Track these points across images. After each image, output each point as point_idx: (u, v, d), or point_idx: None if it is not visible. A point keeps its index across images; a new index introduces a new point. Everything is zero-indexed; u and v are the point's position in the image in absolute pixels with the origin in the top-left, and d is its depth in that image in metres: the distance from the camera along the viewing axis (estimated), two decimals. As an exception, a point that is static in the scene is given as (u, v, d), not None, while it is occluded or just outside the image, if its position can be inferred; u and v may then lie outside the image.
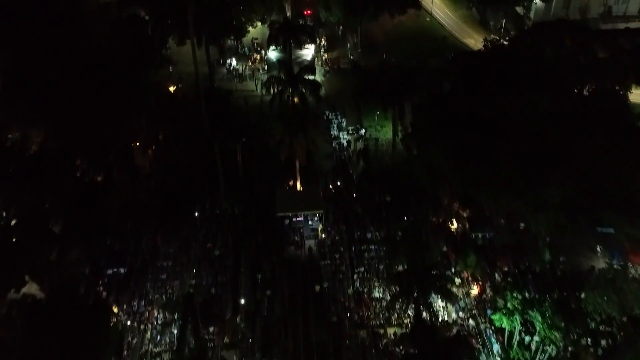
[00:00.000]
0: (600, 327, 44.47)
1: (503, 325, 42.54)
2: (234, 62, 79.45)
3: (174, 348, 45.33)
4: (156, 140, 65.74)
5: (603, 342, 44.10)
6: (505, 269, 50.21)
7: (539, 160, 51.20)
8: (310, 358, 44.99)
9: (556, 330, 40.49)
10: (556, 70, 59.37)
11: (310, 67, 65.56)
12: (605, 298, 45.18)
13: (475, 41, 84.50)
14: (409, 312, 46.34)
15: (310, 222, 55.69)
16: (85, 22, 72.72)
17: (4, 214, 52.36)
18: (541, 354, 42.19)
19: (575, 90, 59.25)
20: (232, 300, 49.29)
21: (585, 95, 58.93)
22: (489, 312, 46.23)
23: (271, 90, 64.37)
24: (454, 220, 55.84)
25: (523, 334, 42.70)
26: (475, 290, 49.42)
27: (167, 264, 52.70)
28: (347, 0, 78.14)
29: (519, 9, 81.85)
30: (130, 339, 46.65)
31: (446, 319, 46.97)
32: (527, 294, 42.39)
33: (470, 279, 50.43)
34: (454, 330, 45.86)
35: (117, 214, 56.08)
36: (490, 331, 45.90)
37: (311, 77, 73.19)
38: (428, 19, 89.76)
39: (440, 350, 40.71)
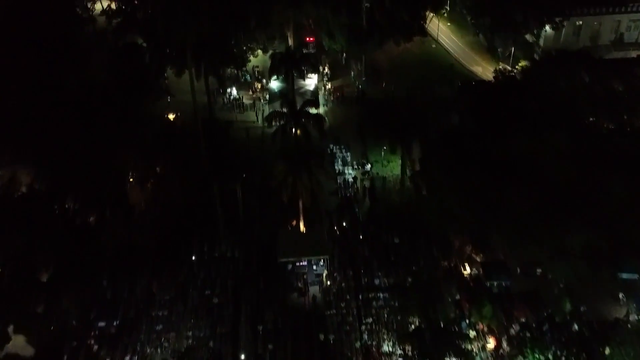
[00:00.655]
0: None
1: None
2: (234, 91, 76.80)
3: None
4: (152, 176, 62.90)
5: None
6: (523, 319, 47.11)
7: (557, 203, 48.35)
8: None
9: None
10: (572, 104, 56.61)
11: (313, 100, 62.75)
12: (632, 354, 42.15)
13: (483, 69, 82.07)
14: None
15: (314, 267, 52.58)
16: (80, 53, 70.28)
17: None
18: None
19: (593, 126, 56.43)
20: (231, 355, 46.10)
21: (604, 131, 56.10)
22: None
23: (273, 123, 61.45)
24: (466, 264, 52.74)
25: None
26: (491, 344, 46.20)
27: (163, 313, 49.52)
28: (351, 28, 75.77)
29: (529, 37, 79.17)
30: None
31: (462, 377, 43.74)
32: (549, 355, 39.26)
33: (485, 330, 47.25)
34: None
35: (110, 258, 52.96)
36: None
37: (314, 110, 71.14)
38: (434, 46, 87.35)
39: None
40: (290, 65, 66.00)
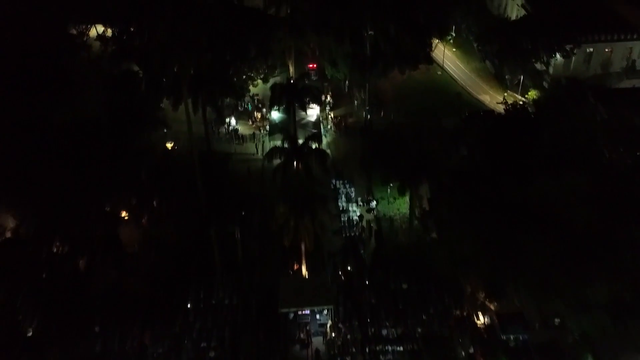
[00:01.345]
0: None
1: None
2: (233, 121, 73.89)
3: None
4: (146, 215, 59.87)
5: None
6: (542, 376, 43.93)
7: (578, 250, 45.21)
8: None
9: None
10: (589, 140, 53.69)
11: (316, 135, 59.79)
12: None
13: (490, 97, 79.32)
14: None
15: (317, 317, 49.32)
16: (72, 83, 67.44)
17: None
18: None
19: (613, 164, 53.43)
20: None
21: (625, 170, 53.08)
22: None
23: (274, 160, 58.52)
24: (479, 313, 49.48)
25: None
26: (509, 405, 42.97)
27: (156, 368, 46.29)
28: (354, 56, 73.05)
29: (538, 65, 76.44)
30: None
31: None
32: None
33: (502, 388, 44.04)
34: None
35: (100, 307, 49.65)
36: None
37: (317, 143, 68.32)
38: (439, 73, 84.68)
39: None
40: (291, 97, 63.14)
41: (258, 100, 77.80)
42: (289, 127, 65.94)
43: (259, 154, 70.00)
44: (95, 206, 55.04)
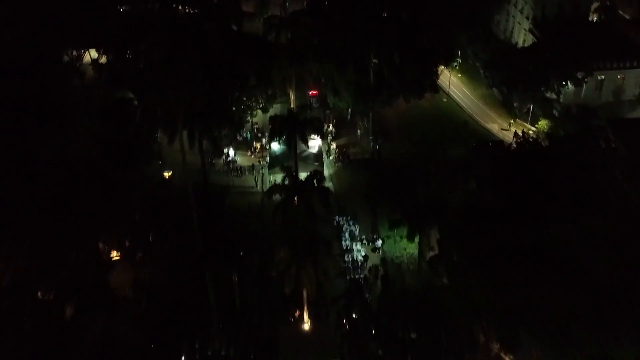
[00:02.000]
0: None
1: None
2: (231, 152, 70.89)
3: None
4: (139, 254, 56.77)
5: None
6: None
7: (602, 303, 42.04)
8: None
9: None
10: (609, 180, 50.72)
11: (318, 172, 56.80)
12: None
13: (499, 126, 76.46)
14: None
15: (321, 371, 45.99)
16: (63, 116, 64.62)
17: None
18: None
19: (636, 207, 50.37)
20: None
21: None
22: None
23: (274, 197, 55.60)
24: (494, 365, 46.23)
25: None
26: None
27: None
28: (357, 84, 70.38)
29: (548, 93, 73.70)
30: None
31: None
32: None
33: None
34: None
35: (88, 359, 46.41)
36: None
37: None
38: (445, 100, 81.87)
39: None
40: (292, 130, 60.24)
41: (258, 129, 74.98)
42: (290, 160, 62.98)
43: (259, 187, 67.07)
44: (85, 248, 51.83)
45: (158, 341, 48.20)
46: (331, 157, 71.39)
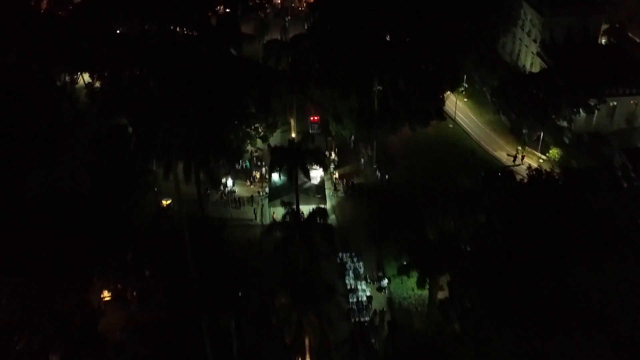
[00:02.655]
0: None
1: None
2: (229, 182, 67.97)
3: None
4: (130, 294, 53.76)
5: None
6: None
7: (626, 357, 38.96)
8: None
9: None
10: (631, 221, 47.72)
11: (322, 210, 53.83)
12: None
13: (507, 153, 73.50)
14: None
15: None
16: (54, 144, 61.83)
17: None
18: None
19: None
20: None
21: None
22: None
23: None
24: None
25: None
26: None
27: None
28: (361, 112, 67.71)
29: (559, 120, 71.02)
30: None
31: None
32: None
33: None
34: None
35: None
36: None
37: (322, 206, 62.45)
38: (451, 126, 79.13)
39: None
40: (293, 162, 57.34)
41: (257, 157, 72.16)
42: (291, 193, 60.06)
43: (258, 220, 64.09)
44: (73, 291, 48.73)
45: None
46: (333, 188, 68.39)
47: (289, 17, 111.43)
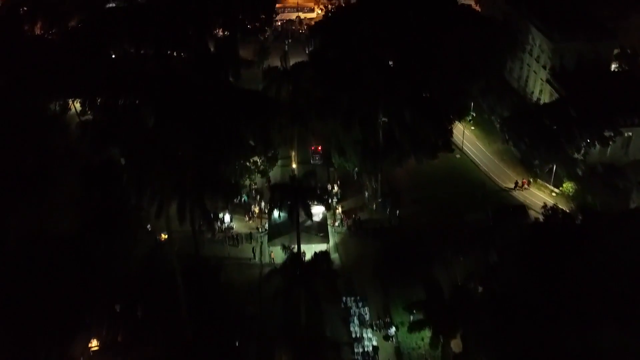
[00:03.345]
0: None
1: None
2: (227, 217, 64.59)
3: None
4: (120, 344, 50.23)
5: None
6: None
7: None
8: None
9: None
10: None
11: (324, 254, 50.47)
12: None
13: (519, 187, 70.18)
14: None
15: None
16: (43, 181, 58.57)
17: None
18: None
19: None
20: None
21: None
22: None
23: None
24: None
25: None
26: None
27: None
28: (365, 144, 64.55)
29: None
30: None
31: None
32: None
33: None
34: None
35: None
36: None
37: (324, 247, 59.26)
38: (458, 156, 75.79)
39: None
40: (294, 201, 54.06)
41: (256, 190, 68.86)
42: (291, 232, 56.77)
43: (257, 259, 60.66)
44: (57, 342, 45.34)
45: None
46: (337, 224, 65.01)
47: (290, 40, 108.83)
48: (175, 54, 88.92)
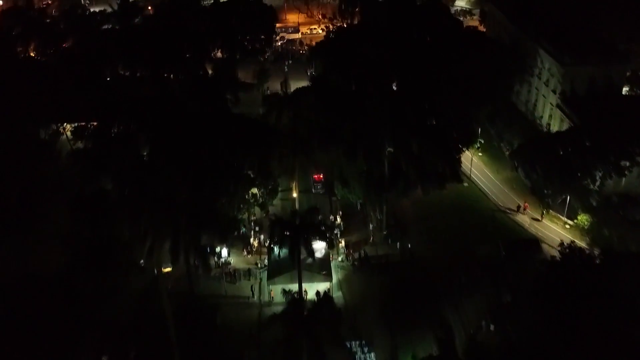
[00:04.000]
0: None
1: None
2: (224, 252, 61.30)
3: None
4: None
5: None
6: None
7: None
8: None
9: None
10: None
11: (328, 299, 47.20)
12: None
13: (530, 219, 66.96)
14: None
15: None
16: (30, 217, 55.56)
17: None
18: None
19: None
20: None
21: None
22: None
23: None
24: None
25: None
26: None
27: None
28: (369, 174, 61.48)
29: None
30: None
31: None
32: None
33: None
34: None
35: None
36: None
37: (327, 285, 56.05)
38: (466, 184, 72.59)
39: None
40: (295, 238, 50.81)
41: (255, 222, 65.65)
42: (292, 270, 53.47)
43: (256, 297, 57.34)
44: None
45: None
46: (340, 258, 61.76)
47: (290, 61, 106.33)
48: (172, 76, 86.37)
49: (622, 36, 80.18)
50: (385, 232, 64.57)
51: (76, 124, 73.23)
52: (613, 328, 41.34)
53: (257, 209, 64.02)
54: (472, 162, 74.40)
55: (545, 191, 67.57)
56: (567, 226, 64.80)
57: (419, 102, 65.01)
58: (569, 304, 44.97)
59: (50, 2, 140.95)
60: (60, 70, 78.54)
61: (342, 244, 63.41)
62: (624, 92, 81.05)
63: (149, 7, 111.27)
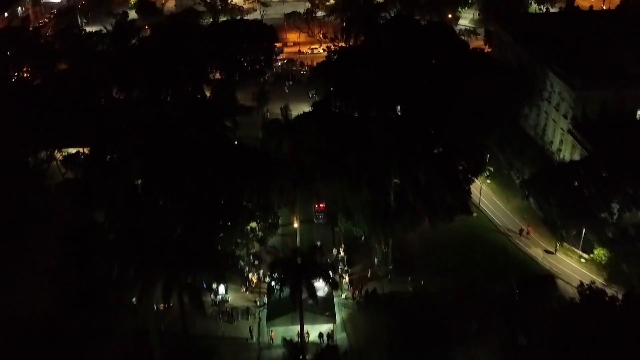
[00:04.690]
0: None
1: None
2: (221, 289, 57.94)
3: None
4: None
5: None
6: None
7: None
8: None
9: None
10: None
11: (332, 348, 44.00)
12: None
13: (543, 252, 63.65)
14: None
15: None
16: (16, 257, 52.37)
17: None
18: None
19: None
20: None
21: None
22: None
23: None
24: None
25: None
26: None
27: None
28: (374, 207, 58.29)
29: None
30: None
31: None
32: None
33: None
34: None
35: None
36: None
37: (330, 327, 52.76)
38: (475, 214, 69.19)
39: None
40: (296, 278, 47.67)
41: (254, 255, 62.39)
42: (293, 312, 50.23)
43: (254, 339, 53.93)
44: None
45: None
46: (343, 295, 58.47)
47: (290, 82, 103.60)
48: (168, 99, 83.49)
49: (635, 59, 77.19)
50: (391, 267, 61.31)
51: (67, 153, 70.12)
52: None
53: (256, 246, 60.75)
54: (481, 190, 71.26)
55: (559, 223, 64.50)
56: (583, 260, 61.56)
57: (425, 127, 62.25)
58: (588, 349, 42.09)
59: (46, 20, 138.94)
60: (53, 92, 75.77)
61: (346, 279, 60.14)
62: (638, 117, 78.01)
63: (146, 27, 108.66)
